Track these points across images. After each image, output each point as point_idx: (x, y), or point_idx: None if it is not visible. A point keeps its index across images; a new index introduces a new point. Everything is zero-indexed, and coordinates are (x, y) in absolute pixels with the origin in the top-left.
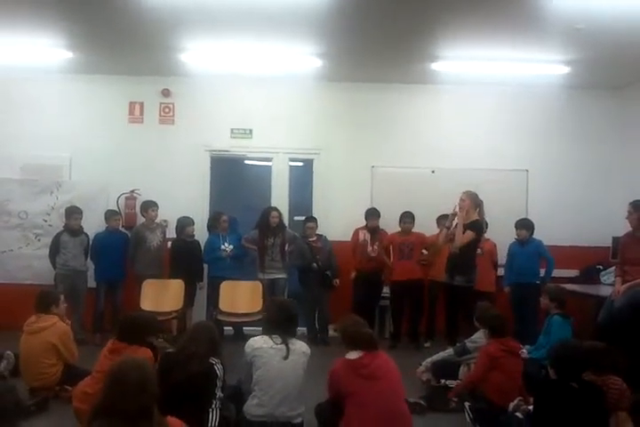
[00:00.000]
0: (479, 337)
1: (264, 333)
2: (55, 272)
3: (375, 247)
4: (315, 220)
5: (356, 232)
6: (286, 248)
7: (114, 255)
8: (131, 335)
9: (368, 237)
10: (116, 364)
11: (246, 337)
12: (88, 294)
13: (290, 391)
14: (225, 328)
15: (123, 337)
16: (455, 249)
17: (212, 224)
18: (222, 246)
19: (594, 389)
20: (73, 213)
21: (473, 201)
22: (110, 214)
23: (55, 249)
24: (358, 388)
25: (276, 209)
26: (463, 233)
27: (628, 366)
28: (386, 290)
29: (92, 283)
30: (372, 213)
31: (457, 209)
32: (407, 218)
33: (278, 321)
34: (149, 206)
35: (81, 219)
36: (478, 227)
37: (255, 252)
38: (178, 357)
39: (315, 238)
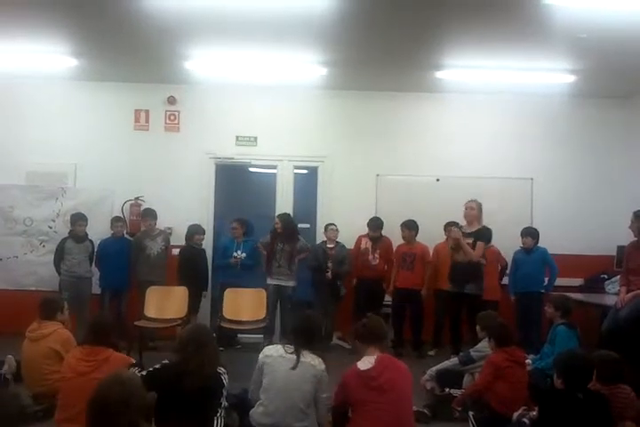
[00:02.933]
0: (484, 346)
1: (282, 342)
2: (60, 278)
3: (376, 256)
4: (335, 224)
5: (359, 240)
6: (297, 256)
7: (118, 262)
8: (104, 337)
9: (369, 244)
10: (99, 383)
11: (244, 345)
12: (93, 301)
13: (295, 402)
14: None
15: (98, 340)
16: (463, 258)
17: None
18: (235, 254)
19: (599, 398)
20: (79, 219)
21: (479, 210)
22: (114, 221)
23: (60, 255)
24: (366, 398)
25: (278, 216)
26: (473, 246)
27: (633, 375)
28: (388, 298)
29: (96, 289)
30: (376, 226)
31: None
32: (402, 227)
33: (297, 332)
34: (147, 216)
35: (86, 225)
36: (486, 234)
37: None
38: (188, 366)
39: (332, 245)
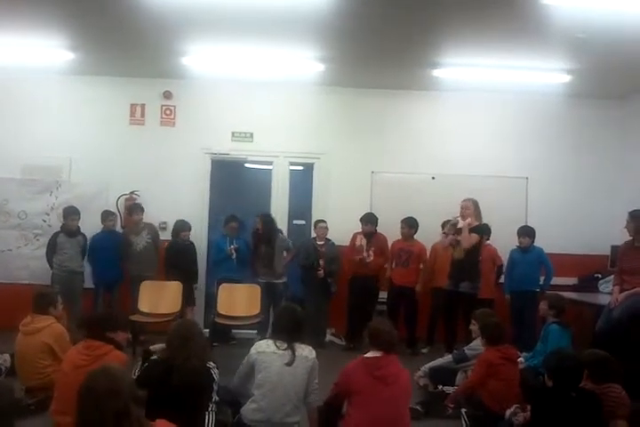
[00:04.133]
0: (478, 344)
1: (271, 337)
2: (52, 272)
3: (371, 253)
4: (325, 221)
5: (354, 237)
6: (282, 255)
7: (110, 256)
8: (98, 332)
9: (364, 242)
10: (87, 374)
11: (238, 340)
12: (86, 295)
13: (290, 398)
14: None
15: (92, 335)
16: (459, 255)
17: (225, 225)
18: (228, 248)
19: (591, 397)
20: (71, 213)
21: (475, 208)
22: (104, 215)
23: (52, 250)
24: (366, 388)
25: (260, 216)
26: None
27: (625, 374)
28: (382, 295)
29: (89, 284)
30: (367, 220)
31: (458, 218)
32: (402, 223)
33: (283, 326)
34: (133, 210)
35: (79, 220)
36: (482, 230)
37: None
38: (175, 360)
39: (322, 242)
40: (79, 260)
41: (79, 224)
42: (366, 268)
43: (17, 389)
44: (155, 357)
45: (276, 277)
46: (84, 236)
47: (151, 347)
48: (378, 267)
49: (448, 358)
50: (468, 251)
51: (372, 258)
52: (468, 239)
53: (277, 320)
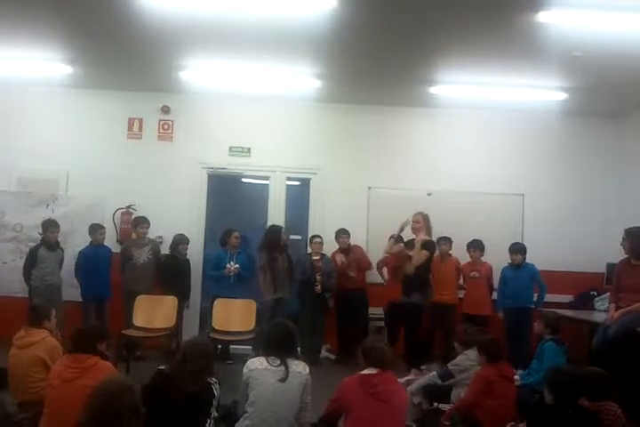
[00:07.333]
0: (462, 359)
1: (262, 354)
2: (31, 286)
3: (353, 268)
4: (320, 236)
5: (333, 257)
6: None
7: (100, 271)
8: (88, 346)
9: (344, 258)
10: (102, 387)
11: (233, 356)
12: (75, 310)
13: (283, 414)
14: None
15: (82, 349)
16: (410, 271)
17: (223, 240)
18: (228, 265)
19: (589, 414)
20: (51, 226)
21: (425, 222)
22: (94, 228)
23: (32, 263)
24: (362, 405)
25: (283, 229)
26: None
27: (621, 392)
28: (374, 311)
29: (69, 297)
30: (341, 233)
31: (410, 223)
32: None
33: (275, 341)
34: (139, 223)
35: (58, 232)
36: (431, 246)
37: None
38: (173, 375)
39: (318, 257)
40: (59, 274)
41: (74, 237)
42: (352, 282)
43: (9, 403)
44: (162, 367)
45: (287, 292)
46: (62, 249)
47: None
48: (363, 281)
49: (433, 374)
50: (418, 266)
51: (355, 272)
52: (418, 258)
53: (269, 336)
